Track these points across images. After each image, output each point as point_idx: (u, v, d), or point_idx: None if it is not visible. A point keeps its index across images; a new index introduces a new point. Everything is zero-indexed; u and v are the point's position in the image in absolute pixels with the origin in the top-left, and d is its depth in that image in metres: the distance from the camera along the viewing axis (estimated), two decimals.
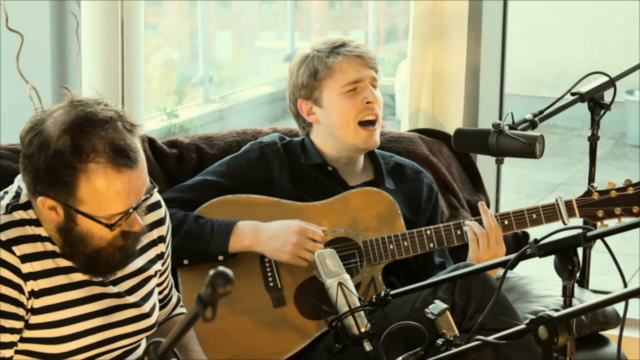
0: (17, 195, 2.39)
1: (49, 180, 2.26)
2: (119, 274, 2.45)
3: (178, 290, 2.93)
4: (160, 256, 2.58)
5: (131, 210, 2.29)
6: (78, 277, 2.40)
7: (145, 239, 2.52)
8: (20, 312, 2.34)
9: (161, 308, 2.68)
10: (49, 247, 2.36)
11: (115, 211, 2.28)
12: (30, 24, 3.73)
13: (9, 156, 3.09)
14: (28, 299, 2.34)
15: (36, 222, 2.37)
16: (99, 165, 2.23)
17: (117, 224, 2.29)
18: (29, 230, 2.35)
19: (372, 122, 3.12)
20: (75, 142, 2.23)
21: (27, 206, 2.37)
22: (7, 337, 2.33)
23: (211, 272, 1.70)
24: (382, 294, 2.45)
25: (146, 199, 2.33)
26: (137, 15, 3.74)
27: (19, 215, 2.36)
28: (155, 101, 8.51)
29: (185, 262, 3.01)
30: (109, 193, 2.25)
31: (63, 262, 2.38)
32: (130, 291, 2.49)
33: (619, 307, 3.11)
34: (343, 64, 3.11)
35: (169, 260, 2.66)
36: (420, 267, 3.16)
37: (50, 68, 3.86)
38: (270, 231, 2.99)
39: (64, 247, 2.35)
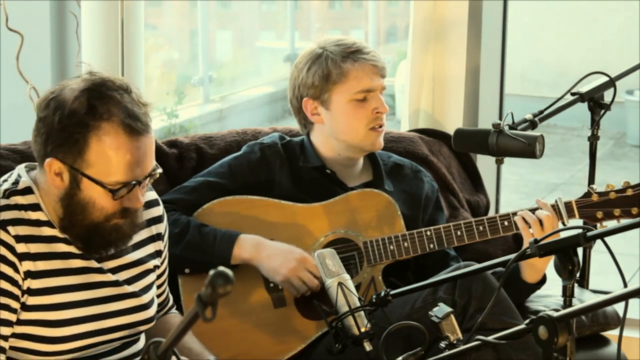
0: (16, 182, 2.42)
1: (60, 139, 2.30)
2: (118, 262, 2.47)
3: (178, 296, 2.95)
4: (159, 253, 2.60)
5: (134, 183, 2.32)
6: (76, 263, 2.41)
7: (145, 234, 2.55)
8: (16, 291, 2.35)
9: (159, 311, 2.70)
10: (47, 231, 2.38)
11: (120, 179, 2.31)
12: (30, 24, 3.73)
13: (9, 156, 3.09)
14: (24, 279, 2.35)
15: (34, 207, 2.39)
16: (111, 124, 2.28)
17: (120, 191, 2.31)
18: (25, 214, 2.37)
19: (379, 126, 3.12)
20: (92, 102, 2.29)
21: (25, 192, 2.40)
22: (3, 314, 2.34)
23: (211, 272, 1.71)
24: (382, 294, 2.46)
25: (152, 174, 2.36)
26: (137, 15, 3.74)
27: (14, 200, 2.38)
28: (155, 101, 8.50)
29: (187, 270, 3.01)
30: (117, 157, 2.29)
31: (61, 247, 2.40)
32: (130, 281, 2.50)
33: (619, 307, 3.11)
34: (359, 71, 3.08)
35: (166, 264, 2.67)
36: (437, 261, 3.13)
37: (50, 68, 3.85)
38: (271, 250, 2.99)
39: (64, 219, 2.37)
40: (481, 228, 3.02)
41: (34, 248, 2.37)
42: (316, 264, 2.65)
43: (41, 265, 2.37)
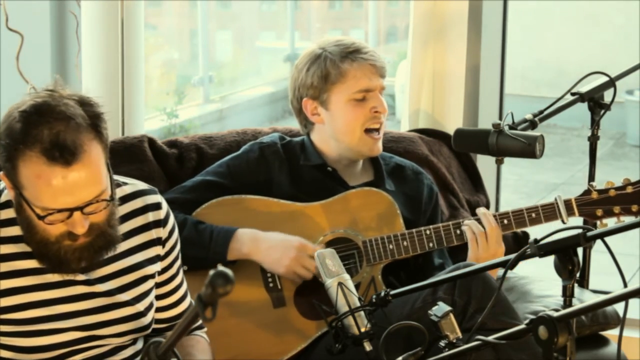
0: None
1: (1, 155, 2.29)
2: (109, 270, 2.44)
3: None
4: (159, 257, 2.55)
5: (68, 210, 2.27)
6: (54, 277, 2.39)
7: (142, 239, 2.51)
8: None
9: (171, 328, 2.64)
10: (21, 248, 2.36)
11: (48, 205, 2.26)
12: (30, 24, 3.73)
13: None
14: None
15: (11, 222, 2.37)
16: (33, 153, 2.24)
17: (48, 218, 2.27)
18: None
19: (377, 130, 3.12)
20: (24, 126, 2.25)
21: (4, 206, 2.38)
22: None
23: (211, 272, 1.70)
24: (382, 294, 2.45)
25: (93, 203, 2.29)
26: (137, 15, 3.74)
27: None
28: (155, 101, 8.52)
29: (185, 267, 3.01)
30: (40, 184, 2.25)
31: (34, 263, 2.37)
32: (123, 289, 2.47)
33: (619, 307, 3.11)
34: (357, 71, 3.09)
35: (174, 272, 2.60)
36: (420, 268, 3.16)
37: (50, 68, 3.85)
38: (269, 242, 2.99)
39: (22, 230, 2.35)
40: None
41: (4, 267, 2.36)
42: (316, 264, 2.65)
43: (7, 284, 2.36)
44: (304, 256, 2.97)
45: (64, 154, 2.23)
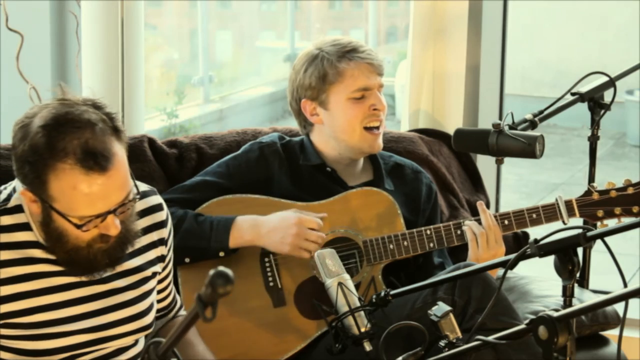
0: (8, 198, 2.40)
1: (24, 173, 2.28)
2: (115, 270, 2.45)
3: (178, 291, 2.92)
4: (160, 258, 2.57)
5: (104, 214, 2.28)
6: (61, 280, 2.39)
7: (145, 240, 2.52)
8: None
9: (165, 315, 2.69)
10: (30, 253, 2.36)
11: (85, 213, 2.27)
12: (30, 24, 3.73)
13: (9, 156, 3.07)
14: None
15: (22, 227, 2.37)
16: (66, 165, 2.23)
17: (87, 225, 2.28)
18: (8, 237, 2.36)
19: (376, 127, 3.12)
20: (49, 140, 2.24)
21: (15, 210, 2.38)
22: None
23: (211, 272, 1.70)
24: (382, 294, 2.45)
25: (125, 203, 2.31)
26: (137, 15, 3.75)
27: (0, 221, 2.36)
28: (155, 101, 8.51)
29: (187, 260, 3.02)
30: (76, 194, 2.25)
31: (42, 268, 2.38)
32: (128, 288, 2.48)
33: (619, 307, 3.11)
34: (355, 70, 3.09)
35: (170, 267, 2.66)
36: (420, 267, 3.16)
37: (50, 68, 3.85)
38: (269, 224, 2.99)
39: (47, 241, 2.35)
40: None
41: (6, 273, 2.35)
42: (316, 263, 2.65)
43: (16, 289, 2.36)
44: (305, 230, 2.97)
45: (98, 160, 2.24)
